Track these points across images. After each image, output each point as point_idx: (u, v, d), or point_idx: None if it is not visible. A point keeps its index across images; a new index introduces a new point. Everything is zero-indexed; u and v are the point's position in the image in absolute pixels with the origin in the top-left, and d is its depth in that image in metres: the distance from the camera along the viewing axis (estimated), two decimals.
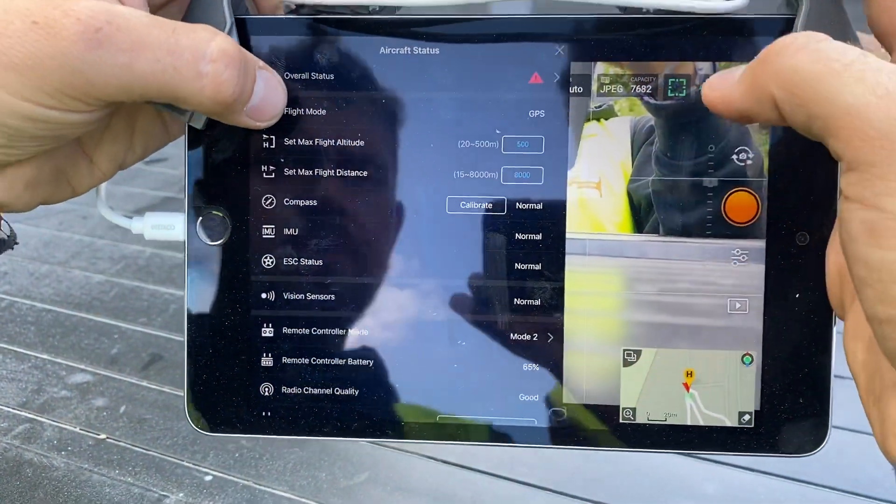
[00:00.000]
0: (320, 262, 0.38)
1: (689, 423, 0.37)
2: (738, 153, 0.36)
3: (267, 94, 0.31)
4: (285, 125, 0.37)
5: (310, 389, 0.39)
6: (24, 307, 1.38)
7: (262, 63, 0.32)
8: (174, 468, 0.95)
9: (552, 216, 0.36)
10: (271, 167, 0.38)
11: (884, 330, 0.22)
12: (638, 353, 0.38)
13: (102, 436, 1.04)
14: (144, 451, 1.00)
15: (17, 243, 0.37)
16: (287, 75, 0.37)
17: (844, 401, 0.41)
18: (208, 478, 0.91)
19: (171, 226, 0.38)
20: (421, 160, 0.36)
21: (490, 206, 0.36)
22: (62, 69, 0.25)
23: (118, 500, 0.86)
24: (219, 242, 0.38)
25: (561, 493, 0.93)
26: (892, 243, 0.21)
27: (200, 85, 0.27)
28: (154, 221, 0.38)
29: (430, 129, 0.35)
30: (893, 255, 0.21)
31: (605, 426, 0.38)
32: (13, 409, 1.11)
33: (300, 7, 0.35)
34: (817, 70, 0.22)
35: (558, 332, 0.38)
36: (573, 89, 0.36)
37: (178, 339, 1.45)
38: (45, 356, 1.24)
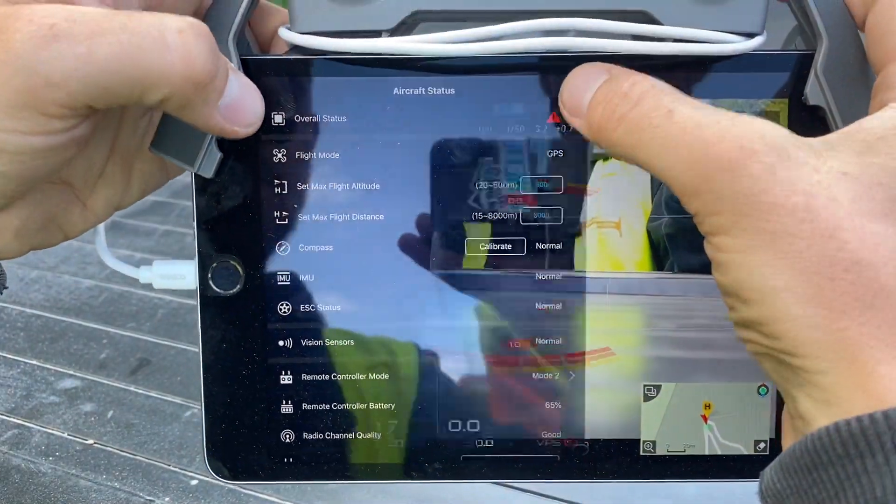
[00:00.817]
0: (338, 308, 0.37)
1: (707, 452, 0.37)
2: None
3: (242, 94, 0.29)
4: (297, 169, 0.36)
5: (332, 435, 0.39)
6: (14, 312, 1.38)
7: (232, 65, 0.30)
8: (161, 473, 0.96)
9: (572, 256, 0.36)
10: (284, 213, 0.37)
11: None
12: (658, 387, 0.38)
13: (90, 441, 1.04)
14: (131, 455, 1.00)
15: (6, 287, 0.35)
16: (297, 118, 0.36)
17: None
18: (194, 482, 0.92)
19: (182, 276, 0.37)
20: (438, 202, 0.36)
21: (510, 247, 0.36)
22: (17, 74, 0.23)
23: None
24: (232, 291, 0.37)
25: (541, 496, 0.94)
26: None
27: (169, 59, 0.24)
28: (163, 271, 0.37)
29: (446, 171, 0.35)
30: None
31: (626, 459, 0.38)
32: (1, 414, 1.12)
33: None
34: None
35: (580, 370, 0.38)
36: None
37: (167, 344, 1.46)
38: (33, 362, 1.24)
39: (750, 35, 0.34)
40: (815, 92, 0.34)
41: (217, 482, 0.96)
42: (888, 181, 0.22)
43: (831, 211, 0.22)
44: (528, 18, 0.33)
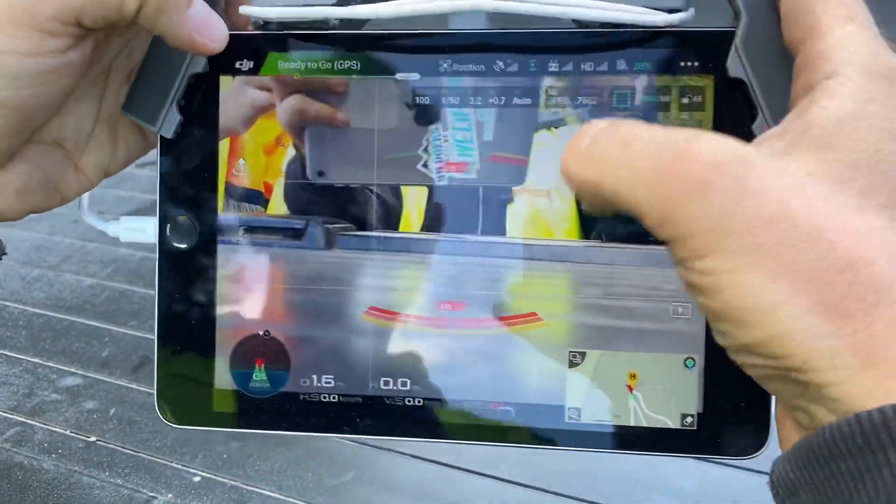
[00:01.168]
0: (281, 267, 0.40)
1: (632, 423, 0.37)
2: None
3: (207, 12, 0.32)
4: (249, 134, 0.39)
5: (268, 386, 0.41)
6: (16, 311, 1.39)
7: None
8: (163, 469, 0.96)
9: (503, 223, 0.38)
10: (235, 174, 0.39)
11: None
12: (583, 355, 0.38)
13: (92, 438, 1.05)
14: (134, 452, 1.01)
15: (5, 253, 0.38)
16: (258, 88, 0.38)
17: None
18: (197, 479, 0.92)
19: (144, 229, 0.39)
20: (377, 165, 0.38)
21: (444, 211, 0.38)
22: None
23: (108, 502, 0.88)
24: (187, 246, 0.40)
25: (543, 490, 0.94)
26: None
27: None
28: (128, 225, 0.40)
29: (386, 137, 0.38)
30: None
31: (552, 426, 0.38)
32: (4, 412, 1.12)
33: (268, 23, 0.37)
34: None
35: (507, 334, 0.39)
36: (523, 101, 0.37)
37: None
38: (35, 360, 1.25)
39: (674, 11, 0.35)
40: (735, 66, 0.34)
41: (219, 478, 0.96)
42: (853, 175, 0.22)
43: (810, 213, 0.21)
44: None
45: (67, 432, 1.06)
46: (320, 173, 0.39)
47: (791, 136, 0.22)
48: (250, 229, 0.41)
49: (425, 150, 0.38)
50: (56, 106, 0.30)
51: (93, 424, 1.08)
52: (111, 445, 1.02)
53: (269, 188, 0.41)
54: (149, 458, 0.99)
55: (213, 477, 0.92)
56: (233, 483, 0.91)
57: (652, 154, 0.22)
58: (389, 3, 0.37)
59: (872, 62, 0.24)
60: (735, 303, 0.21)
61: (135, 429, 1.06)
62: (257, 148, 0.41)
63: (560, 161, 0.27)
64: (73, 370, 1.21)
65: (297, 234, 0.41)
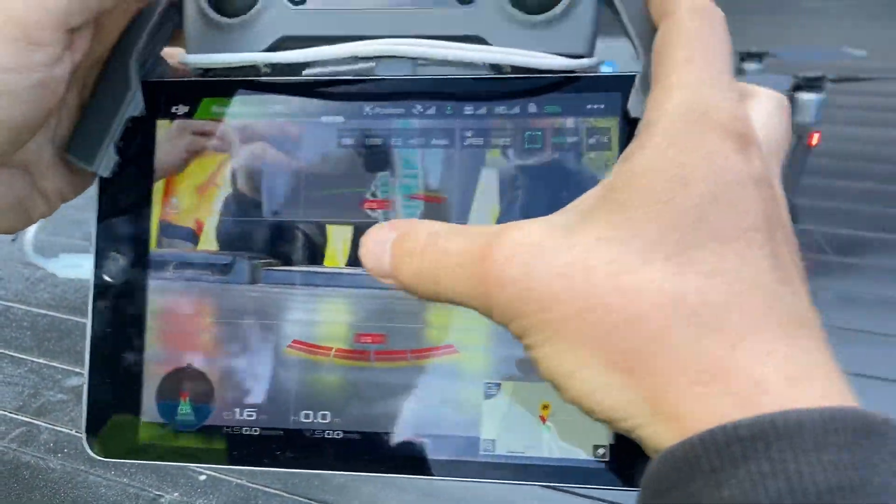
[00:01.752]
0: (208, 302, 0.42)
1: (545, 454, 0.38)
2: None
3: None
4: (183, 174, 0.42)
5: (193, 420, 0.41)
6: (20, 312, 1.39)
7: None
8: (169, 468, 0.96)
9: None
10: (169, 211, 0.41)
11: None
12: (498, 385, 0.39)
13: None
14: None
15: None
16: (193, 131, 0.41)
17: None
18: (202, 477, 0.92)
19: (81, 265, 0.43)
20: (306, 204, 0.41)
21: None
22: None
23: (114, 500, 0.88)
24: (119, 281, 0.41)
25: (548, 487, 0.94)
26: None
27: None
28: (66, 262, 0.45)
29: (313, 178, 0.40)
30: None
31: (467, 458, 0.39)
32: (10, 412, 1.12)
33: (207, 71, 0.41)
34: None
35: (424, 366, 0.40)
36: (441, 141, 0.40)
37: None
38: (41, 360, 1.25)
39: (579, 57, 0.37)
40: (635, 107, 0.36)
41: (224, 477, 0.96)
42: (640, 232, 0.23)
43: (590, 281, 0.23)
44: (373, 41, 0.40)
45: (73, 432, 1.06)
46: (250, 210, 0.41)
47: (592, 203, 0.25)
48: (180, 265, 0.42)
49: (357, 186, 0.40)
50: (39, 124, 0.31)
51: None
52: None
53: (200, 225, 0.42)
54: None
55: (219, 475, 0.92)
56: (238, 481, 0.91)
57: (463, 262, 0.26)
58: (309, 50, 0.40)
59: (690, 106, 0.25)
60: (548, 372, 0.25)
61: None
62: (190, 187, 0.42)
63: (383, 262, 0.31)
64: (78, 370, 1.21)
65: (223, 269, 0.42)
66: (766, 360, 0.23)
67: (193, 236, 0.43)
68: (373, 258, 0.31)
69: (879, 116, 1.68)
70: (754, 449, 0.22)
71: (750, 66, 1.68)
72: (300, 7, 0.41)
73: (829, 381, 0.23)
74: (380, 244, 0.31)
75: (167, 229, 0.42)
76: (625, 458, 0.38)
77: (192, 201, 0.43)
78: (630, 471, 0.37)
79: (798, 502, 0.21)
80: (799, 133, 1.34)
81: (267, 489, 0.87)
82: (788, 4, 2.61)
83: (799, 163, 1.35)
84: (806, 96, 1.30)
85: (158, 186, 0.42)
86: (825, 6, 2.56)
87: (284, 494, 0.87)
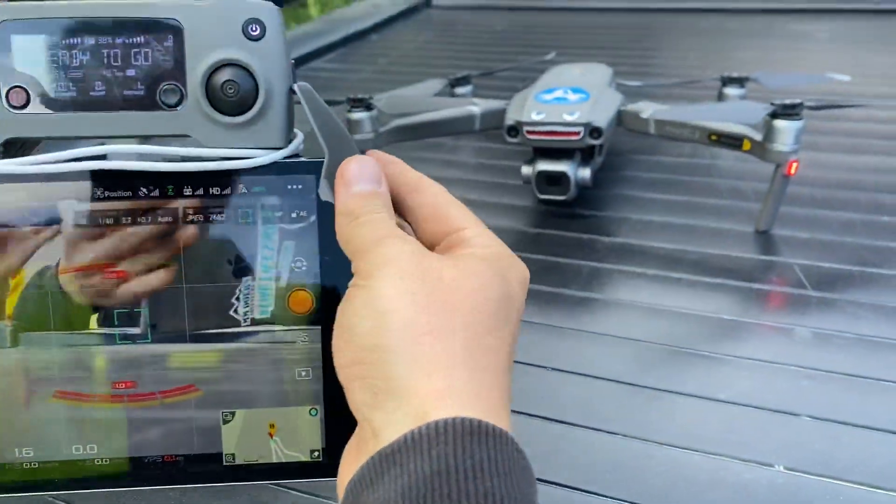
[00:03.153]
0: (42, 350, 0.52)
1: (274, 460, 0.49)
2: (295, 263, 0.50)
3: None
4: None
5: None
6: None
7: None
8: None
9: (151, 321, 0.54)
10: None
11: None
12: (233, 413, 0.50)
13: None
14: None
15: None
16: None
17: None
18: None
19: None
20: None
21: (116, 317, 0.52)
22: None
23: None
24: None
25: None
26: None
27: None
28: None
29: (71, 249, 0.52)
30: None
31: (214, 467, 0.50)
32: None
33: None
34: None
35: (175, 402, 0.52)
36: (165, 219, 0.52)
37: None
38: None
39: (277, 148, 0.48)
40: (324, 191, 0.47)
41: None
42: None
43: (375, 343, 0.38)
44: (92, 144, 0.49)
45: None
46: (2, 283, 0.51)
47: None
48: None
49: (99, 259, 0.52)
50: None
51: None
52: None
53: None
54: None
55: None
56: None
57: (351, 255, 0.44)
58: (31, 159, 0.49)
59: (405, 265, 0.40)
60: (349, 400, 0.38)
61: None
62: None
63: (339, 192, 0.45)
64: None
65: None
66: (441, 393, 0.35)
67: None
68: (345, 181, 0.44)
69: (863, 143, 1.64)
70: (394, 460, 0.33)
71: (731, 91, 1.65)
72: (21, 112, 0.48)
73: (474, 408, 0.35)
74: (360, 183, 0.44)
75: None
76: (334, 455, 0.50)
77: None
78: (337, 464, 0.46)
79: (411, 487, 0.32)
80: (777, 162, 1.29)
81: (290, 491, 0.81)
82: (775, 28, 2.58)
83: (776, 192, 1.31)
84: (783, 124, 1.25)
85: None
86: (812, 30, 2.53)
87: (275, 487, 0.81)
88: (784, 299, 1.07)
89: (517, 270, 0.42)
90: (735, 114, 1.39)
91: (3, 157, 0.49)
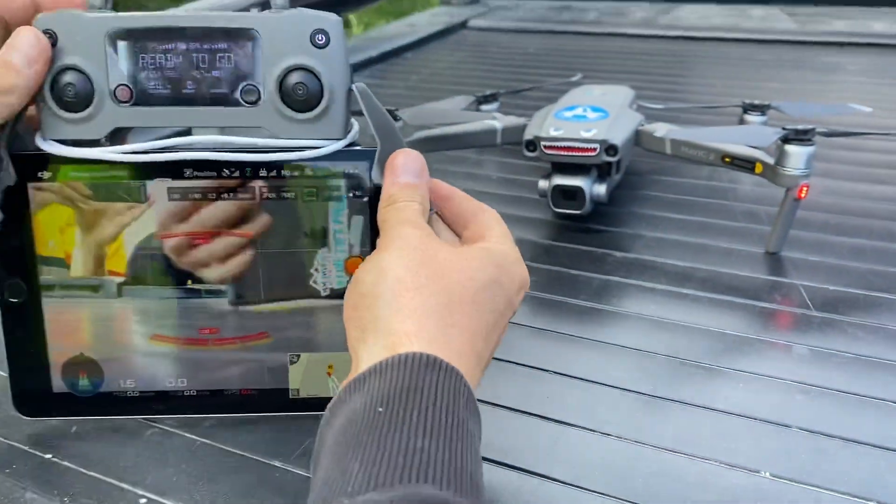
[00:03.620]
0: (88, 310, 0.67)
1: (331, 395, 0.53)
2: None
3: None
4: (45, 223, 0.68)
5: (95, 388, 0.71)
6: None
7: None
8: (102, 484, 0.95)
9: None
10: (47, 247, 0.65)
11: None
12: (298, 356, 0.64)
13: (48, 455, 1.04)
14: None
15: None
16: (54, 190, 0.65)
17: None
18: (143, 500, 0.91)
19: None
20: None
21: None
22: None
23: None
24: (19, 300, 0.65)
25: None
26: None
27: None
28: None
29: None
30: None
31: (282, 401, 0.64)
32: None
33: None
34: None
35: (250, 347, 0.69)
36: (245, 195, 0.69)
37: None
38: None
39: (337, 139, 0.62)
40: (376, 175, 0.62)
41: (165, 502, 0.94)
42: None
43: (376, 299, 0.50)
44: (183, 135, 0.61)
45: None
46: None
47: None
48: (63, 286, 0.65)
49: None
50: None
51: None
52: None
53: (69, 256, 0.64)
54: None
55: (158, 499, 0.90)
56: None
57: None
58: (124, 153, 0.61)
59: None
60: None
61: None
62: (55, 230, 0.63)
63: (389, 176, 0.61)
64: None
65: (94, 287, 0.65)
66: (411, 334, 0.45)
67: (65, 264, 0.64)
68: (392, 170, 0.58)
69: (880, 173, 1.65)
70: (363, 381, 0.44)
71: (752, 117, 1.67)
72: (125, 105, 0.59)
73: (438, 352, 0.45)
74: (404, 174, 0.59)
75: (47, 261, 0.64)
76: None
77: (60, 239, 0.65)
78: None
79: (367, 402, 0.41)
80: (787, 185, 1.32)
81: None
82: (806, 60, 2.60)
83: (786, 215, 1.33)
84: (794, 148, 1.28)
85: (36, 230, 0.64)
86: (843, 63, 2.54)
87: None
88: (787, 318, 1.10)
89: (517, 270, 0.54)
90: (748, 136, 1.42)
91: (109, 145, 0.60)
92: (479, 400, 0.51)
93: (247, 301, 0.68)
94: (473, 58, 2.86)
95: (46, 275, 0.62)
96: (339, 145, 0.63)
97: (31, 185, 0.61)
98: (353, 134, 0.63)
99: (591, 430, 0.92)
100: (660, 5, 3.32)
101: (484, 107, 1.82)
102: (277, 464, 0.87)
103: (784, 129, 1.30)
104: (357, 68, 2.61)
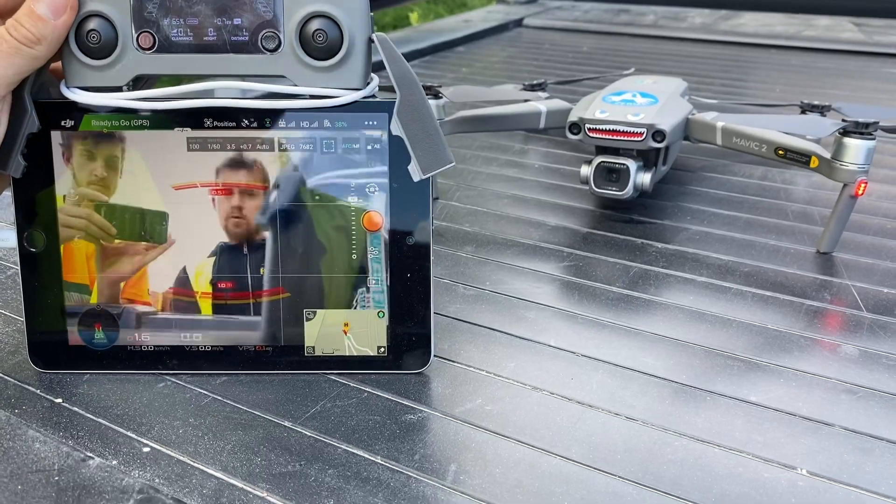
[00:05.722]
0: (107, 262, 0.69)
1: (346, 354, 0.63)
2: (369, 187, 0.67)
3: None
4: (66, 176, 0.66)
5: (102, 341, 0.72)
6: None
7: None
8: (107, 429, 0.93)
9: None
10: (65, 199, 0.65)
11: None
12: (314, 312, 0.63)
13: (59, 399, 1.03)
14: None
15: None
16: (77, 138, 0.65)
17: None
18: (146, 449, 0.88)
19: (8, 238, 0.69)
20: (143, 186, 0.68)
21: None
22: None
23: (44, 456, 0.85)
24: (37, 250, 0.64)
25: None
26: None
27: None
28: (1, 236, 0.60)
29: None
30: None
31: (297, 357, 0.65)
32: None
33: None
34: None
35: (266, 301, 0.67)
36: (263, 147, 0.67)
37: None
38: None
39: (357, 89, 0.62)
40: (395, 127, 0.61)
41: (166, 451, 0.92)
42: None
43: None
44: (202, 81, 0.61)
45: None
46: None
47: None
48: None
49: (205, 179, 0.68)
50: None
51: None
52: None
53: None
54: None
55: (161, 448, 0.88)
56: (180, 458, 0.87)
57: None
58: (146, 98, 0.62)
59: None
60: None
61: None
62: (81, 180, 0.64)
63: None
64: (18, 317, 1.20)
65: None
66: None
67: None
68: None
69: None
70: None
71: (811, 116, 1.60)
72: (147, 52, 0.60)
73: None
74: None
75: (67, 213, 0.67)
76: (396, 353, 0.66)
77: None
78: (399, 361, 0.61)
79: None
80: (844, 181, 1.25)
81: (206, 469, 0.83)
82: (870, 70, 2.50)
83: (841, 213, 1.26)
84: (853, 141, 1.21)
85: (57, 178, 0.66)
86: None
87: (222, 476, 0.82)
88: (836, 318, 1.03)
89: None
90: (805, 126, 1.35)
91: (132, 91, 0.61)
92: (494, 374, 0.47)
93: (260, 248, 0.72)
94: (525, 53, 2.82)
95: None
96: (358, 95, 0.59)
97: (53, 134, 0.65)
98: (373, 87, 0.63)
99: (614, 413, 0.87)
100: (720, 11, 3.24)
101: (531, 95, 1.78)
102: (287, 424, 0.84)
103: (844, 120, 1.23)
104: (408, 58, 2.61)
